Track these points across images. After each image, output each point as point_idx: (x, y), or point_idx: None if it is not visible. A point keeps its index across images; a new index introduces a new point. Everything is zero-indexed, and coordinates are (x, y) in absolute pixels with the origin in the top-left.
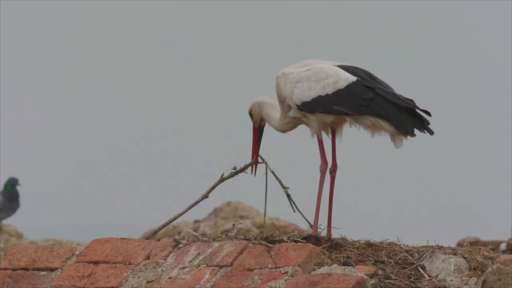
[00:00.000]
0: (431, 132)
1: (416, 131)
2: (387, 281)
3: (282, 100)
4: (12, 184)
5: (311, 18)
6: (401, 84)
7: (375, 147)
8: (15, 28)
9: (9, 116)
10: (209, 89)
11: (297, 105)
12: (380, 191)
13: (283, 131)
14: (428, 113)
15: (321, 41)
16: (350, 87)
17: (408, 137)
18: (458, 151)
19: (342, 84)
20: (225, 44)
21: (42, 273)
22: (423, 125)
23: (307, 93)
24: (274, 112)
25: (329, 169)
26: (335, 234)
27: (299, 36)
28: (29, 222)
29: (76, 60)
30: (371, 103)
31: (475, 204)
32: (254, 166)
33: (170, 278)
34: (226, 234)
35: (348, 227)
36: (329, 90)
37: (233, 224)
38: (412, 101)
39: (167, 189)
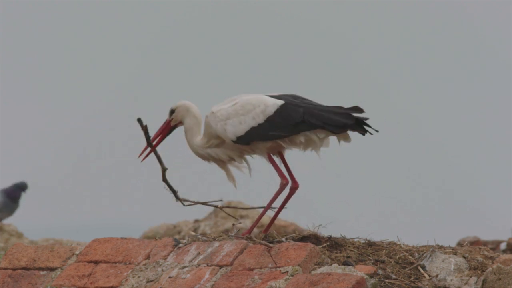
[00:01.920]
0: (366, 131)
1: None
2: (387, 280)
3: (212, 136)
4: (19, 186)
5: (315, 19)
6: (402, 83)
7: (376, 147)
8: (17, 28)
9: (11, 116)
10: (210, 89)
11: (232, 141)
12: (380, 190)
13: (199, 154)
14: (361, 110)
15: (322, 42)
16: (279, 110)
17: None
18: (459, 151)
19: (271, 110)
20: (227, 45)
21: (42, 272)
22: (360, 124)
23: (239, 127)
24: (196, 129)
25: (289, 186)
26: (335, 234)
27: (305, 38)
28: (29, 222)
29: (78, 61)
30: (305, 117)
31: (475, 204)
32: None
33: (170, 277)
34: (226, 234)
35: (348, 226)
36: (260, 119)
37: (233, 224)
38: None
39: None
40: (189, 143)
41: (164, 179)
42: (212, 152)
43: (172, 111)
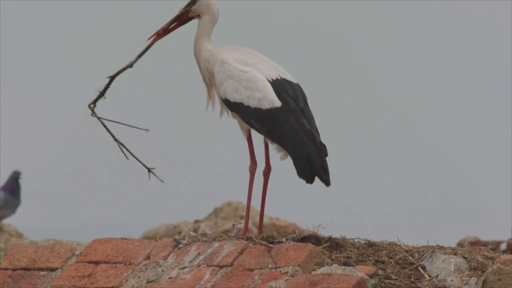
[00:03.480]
0: (327, 184)
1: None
2: (387, 281)
3: (209, 73)
4: (14, 177)
5: (315, 19)
6: (402, 83)
7: (376, 147)
8: (17, 28)
9: (11, 116)
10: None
11: (221, 97)
12: (381, 191)
13: (197, 53)
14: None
15: (322, 42)
16: (271, 112)
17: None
18: (459, 151)
19: (264, 105)
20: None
21: (42, 273)
22: (324, 175)
23: (233, 94)
24: (208, 29)
25: (262, 171)
26: (335, 234)
27: (305, 38)
28: (29, 222)
29: (78, 61)
30: (283, 137)
31: (476, 204)
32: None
33: (170, 278)
34: (226, 234)
35: (348, 227)
36: (252, 103)
37: (233, 224)
38: (324, 147)
39: (167, 189)
40: (196, 39)
41: (114, 76)
42: (208, 65)
43: (192, 2)
